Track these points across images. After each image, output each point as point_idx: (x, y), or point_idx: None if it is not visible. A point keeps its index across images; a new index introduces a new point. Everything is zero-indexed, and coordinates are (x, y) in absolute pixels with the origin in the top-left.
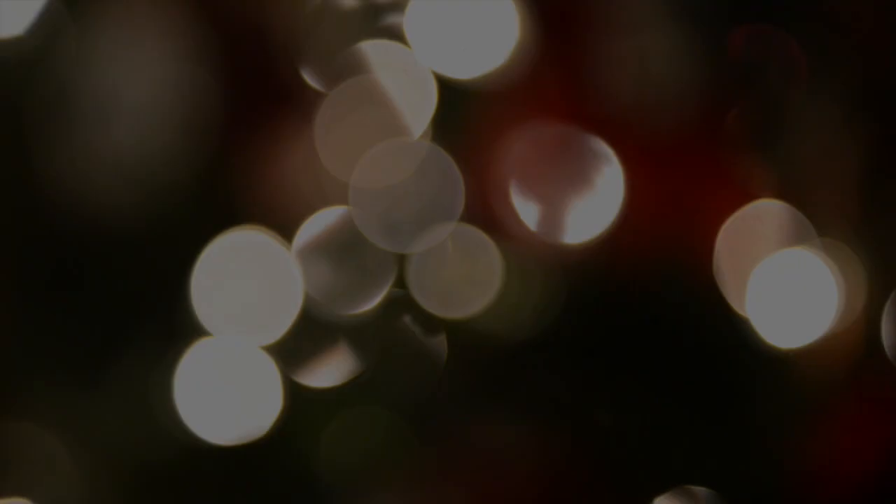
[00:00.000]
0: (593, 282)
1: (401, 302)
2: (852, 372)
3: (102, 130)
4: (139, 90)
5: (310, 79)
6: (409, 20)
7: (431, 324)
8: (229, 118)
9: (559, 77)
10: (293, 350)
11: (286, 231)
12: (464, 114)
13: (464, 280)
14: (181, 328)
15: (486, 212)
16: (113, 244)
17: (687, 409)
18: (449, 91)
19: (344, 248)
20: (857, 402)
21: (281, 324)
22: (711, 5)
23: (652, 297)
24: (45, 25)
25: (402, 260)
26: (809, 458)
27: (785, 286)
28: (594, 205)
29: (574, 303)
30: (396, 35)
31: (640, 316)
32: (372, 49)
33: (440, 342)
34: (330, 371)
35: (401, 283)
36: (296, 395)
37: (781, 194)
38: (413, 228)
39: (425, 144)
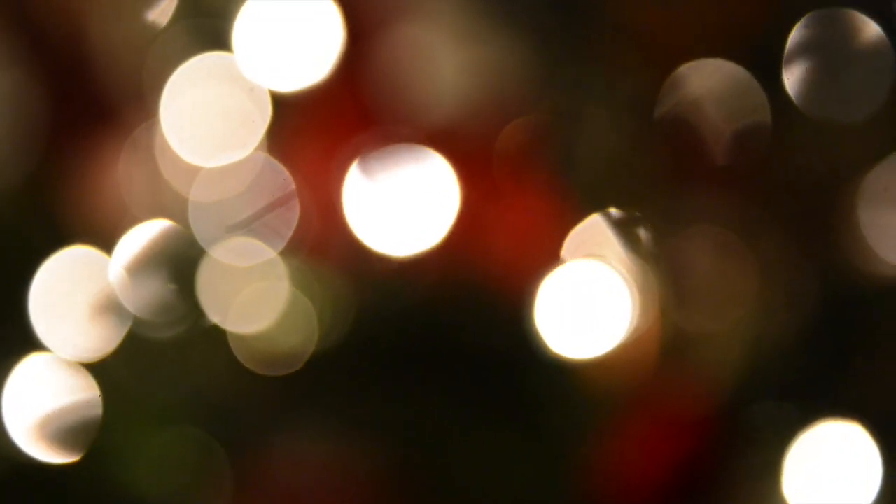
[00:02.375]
0: (393, 294)
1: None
2: (645, 382)
3: None
4: None
5: (145, 92)
6: (237, 34)
7: (228, 337)
8: (63, 132)
9: (380, 89)
10: (117, 367)
11: (116, 246)
12: (294, 125)
13: (255, 293)
14: (8, 343)
15: (317, 224)
16: None
17: (482, 420)
18: (280, 103)
19: (167, 262)
20: (649, 413)
21: (106, 341)
22: (519, 19)
23: (452, 309)
24: None
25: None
26: (601, 468)
27: (579, 297)
28: (415, 216)
29: (375, 315)
30: (227, 48)
31: (440, 329)
32: (204, 63)
33: (240, 355)
34: (152, 386)
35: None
36: (118, 411)
37: (579, 205)
38: (250, 239)
39: (260, 156)
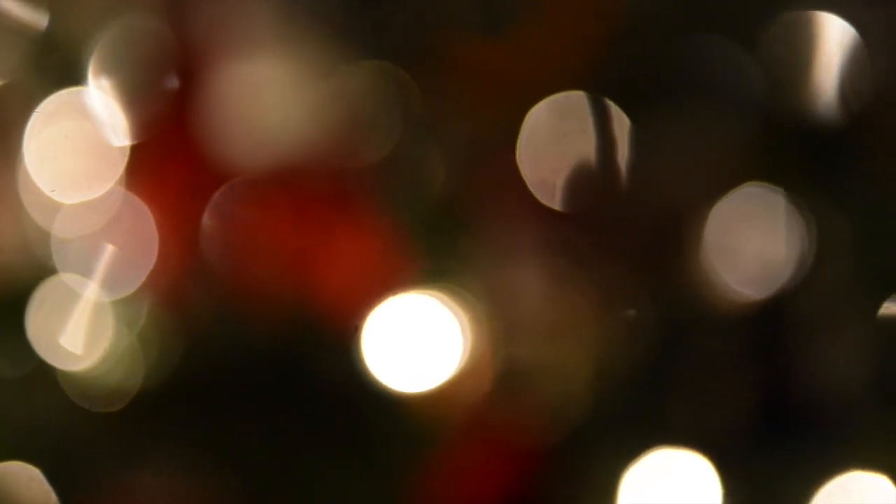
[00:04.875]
0: (231, 326)
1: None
2: (478, 414)
3: None
4: None
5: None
6: (94, 71)
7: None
8: None
9: (224, 127)
10: None
11: None
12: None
13: (94, 330)
14: None
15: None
16: None
17: (318, 453)
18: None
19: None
20: (483, 445)
21: None
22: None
23: (287, 343)
24: None
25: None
26: (436, 501)
27: (408, 331)
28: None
29: (212, 348)
30: (85, 84)
31: (276, 362)
32: (64, 100)
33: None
34: None
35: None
36: None
37: (405, 240)
38: (111, 276)
39: (120, 191)
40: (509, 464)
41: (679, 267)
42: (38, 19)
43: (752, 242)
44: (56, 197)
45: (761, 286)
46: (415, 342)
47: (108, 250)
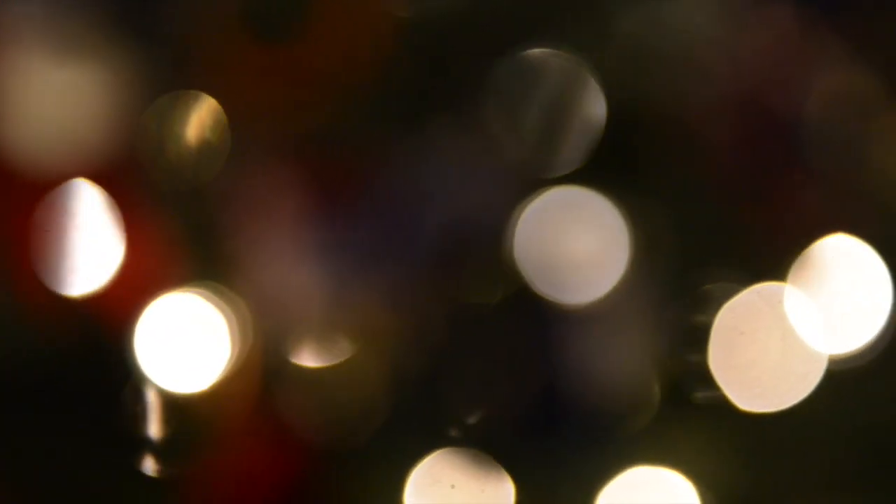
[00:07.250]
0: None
1: None
2: (248, 416)
3: None
4: None
5: None
6: None
7: None
8: None
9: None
10: None
11: None
12: None
13: None
14: None
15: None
16: None
17: (86, 453)
18: None
19: None
20: (255, 446)
21: None
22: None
23: (52, 343)
24: None
25: None
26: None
27: (177, 331)
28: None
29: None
30: None
31: (39, 364)
32: None
33: None
34: None
35: None
36: None
37: (175, 241)
38: None
39: None
40: (285, 465)
41: (470, 268)
42: None
43: (553, 244)
44: None
45: (563, 289)
46: (183, 342)
47: None
